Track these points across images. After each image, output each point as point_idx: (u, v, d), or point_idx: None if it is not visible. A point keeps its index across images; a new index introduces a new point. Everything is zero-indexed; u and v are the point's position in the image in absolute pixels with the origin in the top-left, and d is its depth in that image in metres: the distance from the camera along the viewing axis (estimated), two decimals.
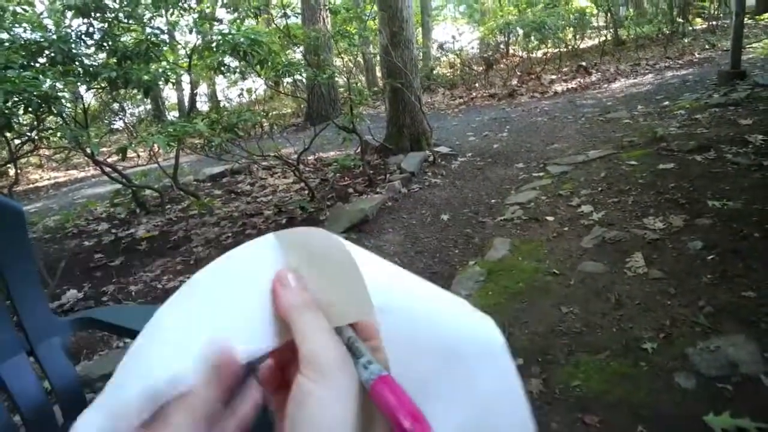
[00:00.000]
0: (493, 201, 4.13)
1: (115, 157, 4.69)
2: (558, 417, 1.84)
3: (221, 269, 0.37)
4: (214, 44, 4.77)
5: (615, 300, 2.43)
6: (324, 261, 0.36)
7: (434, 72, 13.21)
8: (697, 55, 10.27)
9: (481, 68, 12.82)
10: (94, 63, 4.59)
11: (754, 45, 9.95)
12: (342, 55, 9.04)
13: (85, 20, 4.50)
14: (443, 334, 0.34)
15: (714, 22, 12.83)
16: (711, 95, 6.26)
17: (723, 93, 6.17)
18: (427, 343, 0.32)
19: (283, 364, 0.36)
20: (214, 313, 0.35)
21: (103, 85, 4.63)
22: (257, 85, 11.40)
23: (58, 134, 4.39)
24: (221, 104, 13.79)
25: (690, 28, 12.71)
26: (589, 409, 1.84)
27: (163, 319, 0.36)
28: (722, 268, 2.52)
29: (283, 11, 8.23)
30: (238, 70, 5.57)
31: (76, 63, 4.39)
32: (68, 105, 4.72)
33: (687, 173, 3.80)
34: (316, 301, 0.34)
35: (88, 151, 4.22)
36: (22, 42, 3.99)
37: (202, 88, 13.48)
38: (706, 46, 10.94)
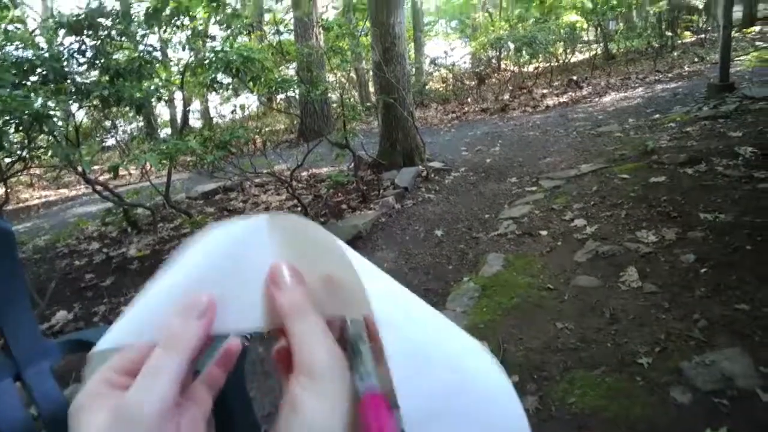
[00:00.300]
0: (486, 216, 4.13)
1: (106, 176, 4.67)
2: None
3: (212, 243, 0.36)
4: (206, 61, 4.80)
5: (609, 315, 2.42)
6: (318, 253, 0.35)
7: (427, 87, 13.31)
8: (687, 68, 10.40)
9: (473, 83, 12.94)
10: (86, 81, 4.59)
11: (741, 57, 10.10)
12: (335, 71, 9.09)
13: (78, 38, 4.51)
14: (446, 357, 0.32)
15: (702, 36, 13.03)
16: (701, 108, 6.32)
17: (712, 106, 6.24)
18: (428, 365, 0.31)
19: None
20: (201, 285, 0.34)
21: (95, 102, 4.63)
22: (250, 101, 11.44)
23: (50, 153, 4.37)
24: (214, 121, 13.81)
25: (679, 41, 12.90)
26: (586, 425, 1.83)
27: (151, 286, 0.35)
28: (715, 281, 2.52)
29: (275, 28, 8.29)
30: (230, 86, 5.59)
31: (69, 81, 4.39)
32: (60, 123, 4.71)
33: (678, 186, 3.82)
34: (312, 295, 0.34)
35: (80, 169, 4.20)
36: (14, 60, 3.98)
37: (195, 105, 13.50)
38: (695, 59, 11.09)
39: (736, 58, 9.56)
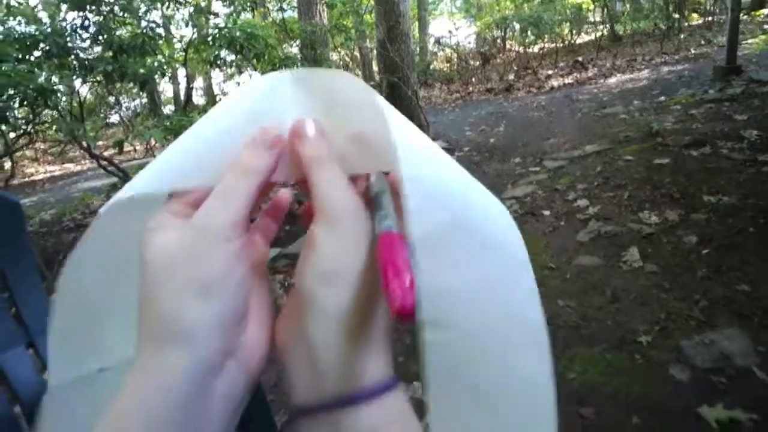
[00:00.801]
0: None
1: (111, 151, 4.67)
2: None
3: (237, 100, 0.36)
4: (210, 38, 4.76)
5: (611, 294, 2.45)
6: (350, 108, 0.35)
7: (431, 67, 13.20)
8: (693, 51, 10.30)
9: (477, 63, 12.84)
10: (89, 56, 4.56)
11: (749, 41, 9.99)
12: (339, 49, 9.02)
13: (81, 13, 4.47)
14: (471, 214, 0.32)
15: (710, 18, 12.87)
16: (706, 91, 6.28)
17: (718, 89, 6.20)
18: (450, 218, 0.30)
19: None
20: (230, 137, 0.34)
21: (99, 78, 4.61)
22: (254, 79, 11.36)
23: (54, 128, 4.37)
24: (217, 98, 13.74)
25: (686, 23, 12.74)
26: (585, 401, 1.86)
27: (177, 140, 0.36)
28: (717, 263, 2.54)
29: (279, 5, 8.21)
30: (234, 63, 5.56)
31: (72, 56, 4.36)
32: (64, 98, 4.69)
33: (682, 168, 3.81)
34: (336, 148, 0.34)
35: (85, 144, 4.21)
36: (17, 35, 3.96)
37: (198, 82, 13.43)
38: (702, 42, 10.97)
39: (744, 41, 9.45)
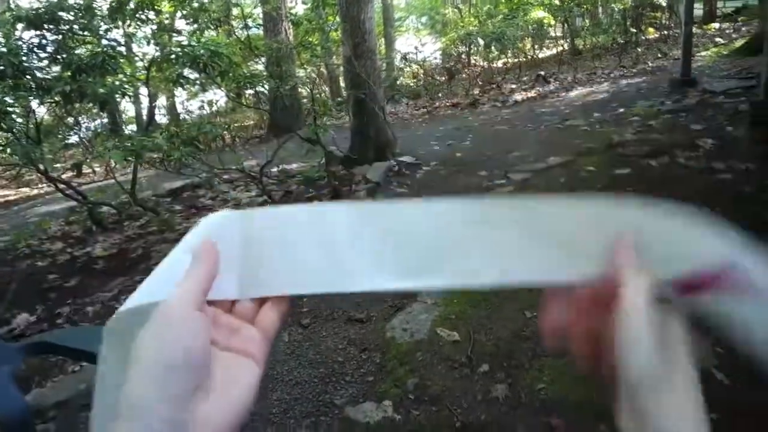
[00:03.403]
0: None
1: (70, 173, 4.55)
2: (525, 421, 1.86)
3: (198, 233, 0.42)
4: (173, 56, 4.71)
5: None
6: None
7: (398, 82, 13.32)
8: (650, 64, 10.66)
9: (443, 78, 13.01)
10: (47, 76, 4.46)
11: (702, 53, 10.41)
12: (305, 66, 9.02)
13: (38, 32, 4.38)
14: None
15: (665, 32, 13.35)
16: (663, 102, 6.49)
17: (675, 100, 6.42)
18: None
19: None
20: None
21: (56, 99, 4.50)
22: (218, 97, 11.26)
23: (8, 150, 4.23)
24: (181, 117, 13.57)
25: (643, 37, 13.19)
26: (554, 411, 1.87)
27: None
28: None
29: (244, 22, 8.19)
30: (198, 82, 5.50)
31: (28, 76, 4.26)
32: (19, 120, 4.56)
33: (642, 178, 3.92)
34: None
35: (41, 167, 4.09)
36: None
37: (162, 101, 13.24)
38: (659, 55, 11.37)
39: (697, 54, 9.84)
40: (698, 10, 12.68)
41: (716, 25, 14.11)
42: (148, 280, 0.40)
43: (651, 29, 13.89)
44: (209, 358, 0.36)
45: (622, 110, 6.66)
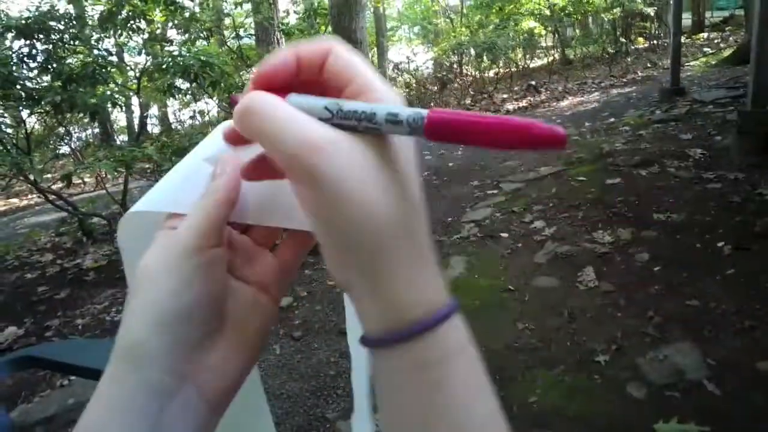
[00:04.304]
0: (449, 219, 4.17)
1: (60, 184, 4.50)
2: None
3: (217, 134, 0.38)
4: (164, 66, 4.69)
5: (568, 314, 2.48)
6: None
7: None
8: (640, 73, 10.76)
9: (436, 88, 13.06)
10: (37, 86, 4.43)
11: (691, 63, 10.53)
12: None
13: (28, 42, 4.35)
14: None
15: (655, 42, 13.51)
16: (653, 111, 6.55)
17: (664, 109, 6.47)
18: None
19: None
20: None
21: (47, 109, 4.47)
22: (210, 107, 11.25)
23: None
24: (173, 127, 13.52)
25: (633, 47, 13.34)
26: (547, 424, 1.86)
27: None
28: (668, 279, 2.61)
29: (235, 32, 8.20)
30: (189, 92, 5.49)
31: (18, 87, 4.23)
32: (9, 130, 4.53)
33: (633, 187, 3.94)
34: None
35: (31, 178, 4.05)
36: None
37: (153, 110, 13.19)
38: (648, 65, 11.49)
39: (686, 64, 9.96)
40: (687, 20, 12.84)
41: (704, 34, 14.30)
42: (159, 183, 0.37)
43: (640, 39, 14.06)
44: (224, 302, 0.32)
45: (612, 120, 6.71)
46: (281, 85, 0.29)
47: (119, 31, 4.91)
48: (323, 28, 8.95)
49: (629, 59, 12.36)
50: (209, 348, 0.31)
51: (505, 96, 11.30)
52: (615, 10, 12.39)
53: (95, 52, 4.72)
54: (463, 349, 0.29)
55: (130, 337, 0.29)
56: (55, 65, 4.39)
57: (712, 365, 1.96)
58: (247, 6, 8.45)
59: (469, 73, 13.49)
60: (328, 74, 0.29)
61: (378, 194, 0.26)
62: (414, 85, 13.40)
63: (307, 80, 0.29)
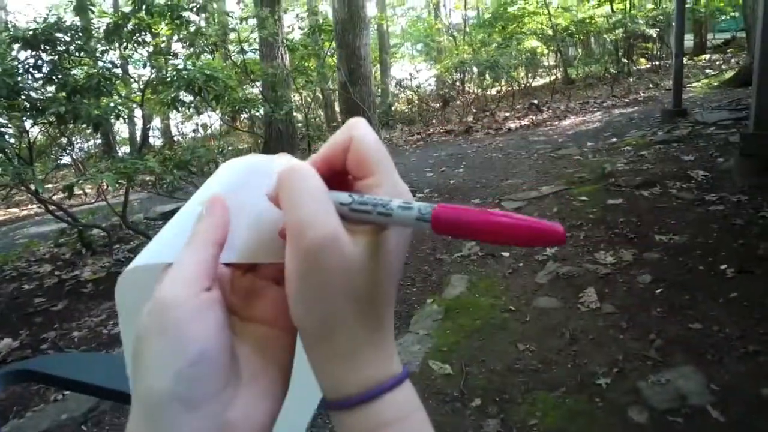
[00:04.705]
0: (450, 237, 4.15)
1: (61, 195, 4.50)
2: None
3: (227, 171, 0.38)
4: (168, 79, 4.72)
5: (569, 336, 2.45)
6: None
7: (392, 108, 13.44)
8: (642, 94, 10.81)
9: (438, 105, 13.14)
10: (41, 97, 4.45)
11: (693, 84, 10.59)
12: (300, 91, 9.08)
13: (34, 53, 4.38)
14: None
15: (657, 63, 13.60)
16: (655, 132, 6.56)
17: (666, 130, 6.49)
18: None
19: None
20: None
21: (51, 119, 4.48)
22: (213, 120, 11.30)
23: None
24: (175, 139, 13.58)
25: (635, 68, 13.42)
26: None
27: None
28: (670, 301, 2.59)
29: (240, 47, 8.26)
30: (192, 105, 5.51)
31: (23, 97, 4.25)
32: (12, 140, 4.53)
33: (635, 208, 3.93)
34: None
35: (32, 188, 4.05)
36: None
37: (156, 123, 13.25)
38: (650, 86, 11.55)
39: (688, 85, 10.02)
40: (689, 41, 12.96)
41: (706, 56, 14.41)
42: (159, 234, 0.36)
43: (642, 60, 14.17)
44: (233, 348, 0.31)
45: (614, 140, 6.73)
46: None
47: (124, 44, 4.95)
48: (327, 44, 9.03)
49: (631, 80, 12.43)
50: (227, 403, 0.29)
51: (507, 114, 11.35)
52: (617, 31, 12.50)
53: (100, 63, 4.74)
54: (406, 416, 0.31)
55: (146, 391, 0.28)
56: (60, 76, 4.41)
57: (716, 390, 1.93)
58: (253, 21, 8.53)
59: (471, 91, 13.56)
60: (348, 167, 0.35)
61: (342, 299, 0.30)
62: (416, 101, 13.47)
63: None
